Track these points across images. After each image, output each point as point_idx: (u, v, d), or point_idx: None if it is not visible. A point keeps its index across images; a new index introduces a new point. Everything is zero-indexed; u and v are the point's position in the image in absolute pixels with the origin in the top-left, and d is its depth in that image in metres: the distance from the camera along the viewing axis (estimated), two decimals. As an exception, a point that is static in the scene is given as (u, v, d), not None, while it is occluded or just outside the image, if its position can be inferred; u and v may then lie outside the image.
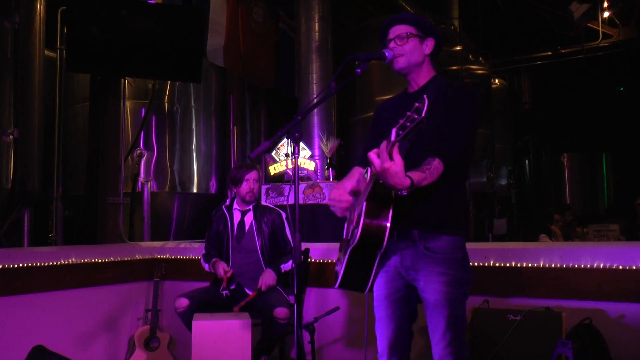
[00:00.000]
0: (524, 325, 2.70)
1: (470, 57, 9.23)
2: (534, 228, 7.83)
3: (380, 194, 1.81)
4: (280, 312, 3.04)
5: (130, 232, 5.82)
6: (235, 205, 3.50)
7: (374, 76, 7.86)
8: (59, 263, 3.52)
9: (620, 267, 2.72)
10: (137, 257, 4.06)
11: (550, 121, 12.83)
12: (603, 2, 9.55)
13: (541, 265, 2.91)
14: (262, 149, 2.08)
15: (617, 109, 11.82)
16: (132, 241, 5.25)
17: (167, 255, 4.16)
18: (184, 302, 3.16)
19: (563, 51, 10.97)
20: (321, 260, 3.52)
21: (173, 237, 6.21)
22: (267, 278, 3.22)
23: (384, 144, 1.61)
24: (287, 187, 4.57)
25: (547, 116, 12.85)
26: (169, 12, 5.45)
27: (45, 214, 5.85)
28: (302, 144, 4.74)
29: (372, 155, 1.62)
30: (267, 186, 4.65)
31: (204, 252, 3.55)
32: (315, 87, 6.47)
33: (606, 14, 9.84)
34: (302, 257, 3.20)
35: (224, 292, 3.26)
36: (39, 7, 5.55)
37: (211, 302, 3.25)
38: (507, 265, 3.00)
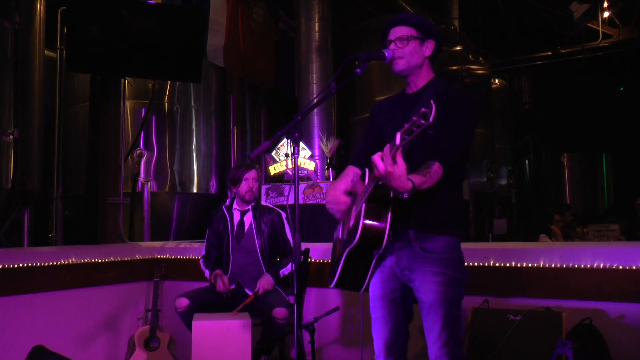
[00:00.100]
0: (524, 325, 2.70)
1: (470, 57, 9.23)
2: (534, 228, 7.84)
3: (379, 195, 1.82)
4: (279, 312, 3.04)
5: (130, 232, 5.82)
6: (235, 206, 3.50)
7: (374, 76, 7.86)
8: (59, 263, 3.52)
9: (620, 267, 2.72)
10: (137, 257, 4.06)
11: (550, 121, 12.83)
12: (603, 2, 9.55)
13: (541, 265, 2.91)
14: (262, 149, 2.08)
15: (617, 109, 11.82)
16: (132, 241, 5.25)
17: (167, 255, 4.16)
18: (184, 302, 3.16)
19: (563, 51, 10.97)
20: (321, 260, 3.52)
21: (173, 237, 6.21)
22: (265, 283, 3.23)
23: (387, 148, 1.62)
24: (287, 187, 4.57)
25: (547, 116, 12.85)
26: (169, 12, 5.45)
27: (45, 214, 5.85)
28: (302, 144, 4.74)
29: (377, 158, 1.63)
30: (267, 186, 4.65)
31: (203, 252, 3.55)
32: (315, 87, 6.47)
33: (606, 14, 9.84)
34: (302, 257, 3.21)
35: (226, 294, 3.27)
36: (39, 7, 5.55)
37: (211, 302, 3.25)
38: (507, 265, 3.00)
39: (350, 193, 2.05)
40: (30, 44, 5.42)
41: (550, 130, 12.78)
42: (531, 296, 2.89)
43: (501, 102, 11.18)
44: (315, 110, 6.22)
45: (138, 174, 5.94)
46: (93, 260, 3.73)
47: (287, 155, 4.79)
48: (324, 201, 2.11)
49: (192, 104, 6.46)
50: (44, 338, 3.03)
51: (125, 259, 3.97)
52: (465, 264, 3.01)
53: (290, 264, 3.29)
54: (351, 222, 2.01)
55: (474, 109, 1.98)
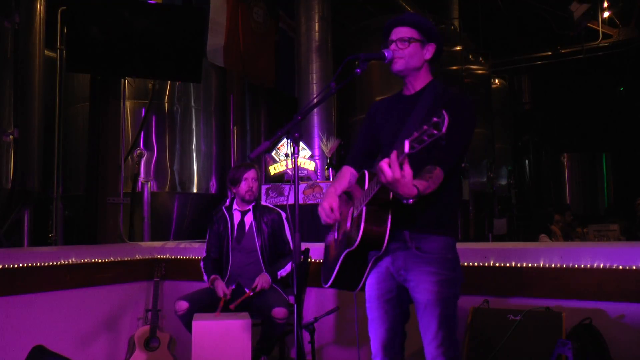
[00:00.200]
0: (524, 325, 2.70)
1: (470, 57, 9.23)
2: (534, 228, 7.85)
3: (380, 199, 1.84)
4: (279, 312, 3.04)
5: (130, 232, 5.82)
6: (235, 206, 3.50)
7: (374, 76, 7.86)
8: (59, 263, 3.52)
9: (620, 267, 2.72)
10: (137, 257, 4.06)
11: (550, 121, 12.83)
12: (603, 2, 9.55)
13: (541, 265, 2.91)
14: (262, 149, 2.08)
15: (617, 109, 11.82)
16: (132, 241, 5.25)
17: (167, 255, 4.16)
18: (183, 305, 3.16)
19: (563, 51, 10.97)
20: (321, 260, 3.50)
21: (173, 237, 6.21)
22: (262, 281, 3.24)
23: (394, 155, 1.63)
24: (287, 187, 4.57)
25: (547, 116, 12.86)
26: (169, 12, 5.45)
27: (45, 214, 5.85)
28: (302, 144, 4.74)
29: (384, 165, 1.63)
30: (267, 186, 4.65)
31: (204, 254, 3.55)
32: (315, 87, 6.47)
33: (606, 14, 9.84)
34: (302, 257, 3.21)
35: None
36: (39, 7, 5.54)
37: (211, 304, 3.24)
38: (507, 265, 3.00)
39: (345, 194, 2.05)
40: (30, 44, 5.41)
41: (550, 130, 12.79)
42: (531, 296, 2.89)
43: (501, 102, 11.19)
44: (315, 110, 6.22)
45: (138, 174, 5.94)
46: (93, 260, 3.73)
47: (287, 155, 4.79)
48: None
49: (192, 104, 6.46)
50: (44, 338, 3.04)
51: (125, 259, 3.97)
52: (465, 264, 3.04)
53: (289, 264, 3.30)
54: (348, 224, 2.01)
55: (472, 112, 1.99)
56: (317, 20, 6.60)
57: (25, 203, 5.33)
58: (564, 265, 2.85)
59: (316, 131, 6.31)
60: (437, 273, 1.91)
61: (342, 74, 2.06)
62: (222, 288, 3.25)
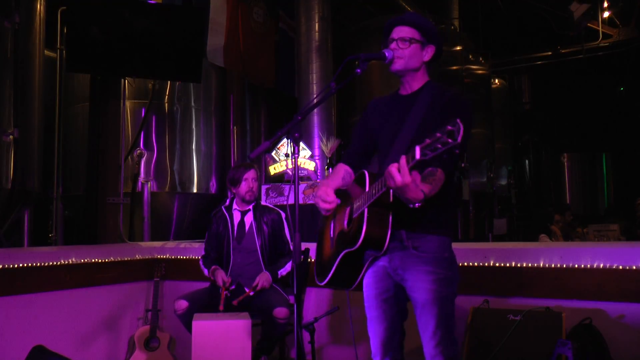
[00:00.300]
0: (524, 325, 2.70)
1: (470, 57, 9.23)
2: (534, 228, 7.84)
3: (382, 201, 1.84)
4: (280, 312, 3.04)
5: (130, 232, 5.81)
6: (234, 206, 3.50)
7: (374, 76, 7.85)
8: (59, 263, 3.52)
9: (620, 267, 2.72)
10: (137, 257, 4.06)
11: (550, 121, 12.83)
12: (603, 2, 9.55)
13: (541, 265, 2.91)
14: (262, 149, 2.08)
15: (617, 109, 11.83)
16: (132, 241, 5.25)
17: (167, 255, 4.16)
18: (183, 305, 3.16)
19: (563, 51, 10.97)
20: (321, 260, 3.52)
21: (173, 237, 6.21)
22: (263, 280, 3.24)
23: (403, 160, 1.63)
24: (287, 187, 4.58)
25: (547, 116, 12.86)
26: (169, 12, 5.45)
27: (45, 214, 5.85)
28: (302, 144, 4.74)
29: (394, 170, 1.64)
30: (267, 186, 4.65)
31: (203, 253, 3.55)
32: (315, 87, 6.47)
33: (606, 14, 9.84)
34: (302, 257, 3.21)
35: (225, 293, 3.26)
36: (39, 7, 5.54)
37: (211, 303, 3.25)
38: (507, 265, 3.00)
39: (340, 191, 2.05)
40: (30, 44, 5.41)
41: (550, 130, 12.79)
42: (531, 296, 2.89)
43: (501, 102, 11.19)
44: (315, 110, 6.22)
45: (138, 174, 5.94)
46: (93, 260, 3.73)
47: (287, 155, 4.79)
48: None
49: (192, 104, 6.46)
50: (44, 338, 3.04)
51: (125, 259, 3.97)
52: (465, 264, 3.04)
53: (289, 263, 3.30)
54: (345, 222, 2.02)
55: (469, 112, 1.99)
56: (317, 20, 6.60)
57: (25, 203, 5.33)
58: (564, 265, 2.85)
59: (316, 131, 6.31)
60: (434, 272, 1.92)
61: (342, 74, 2.07)
62: (222, 276, 3.26)
